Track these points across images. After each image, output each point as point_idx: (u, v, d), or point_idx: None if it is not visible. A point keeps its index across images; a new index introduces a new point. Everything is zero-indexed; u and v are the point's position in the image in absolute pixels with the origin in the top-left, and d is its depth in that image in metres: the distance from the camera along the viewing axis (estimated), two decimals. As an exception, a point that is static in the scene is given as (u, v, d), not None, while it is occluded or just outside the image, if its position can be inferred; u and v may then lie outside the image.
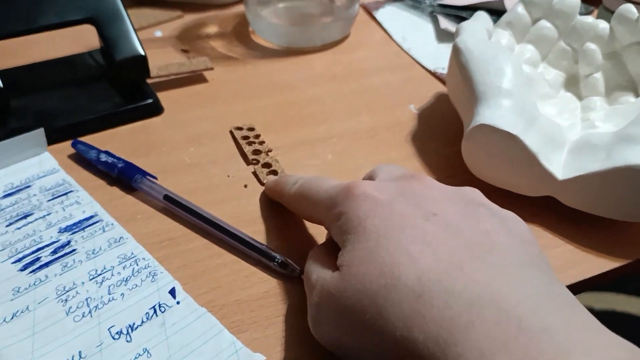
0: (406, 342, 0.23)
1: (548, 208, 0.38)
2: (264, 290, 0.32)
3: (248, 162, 0.41)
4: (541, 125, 0.38)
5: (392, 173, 0.31)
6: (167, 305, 0.31)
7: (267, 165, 0.40)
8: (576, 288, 0.34)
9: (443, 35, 0.57)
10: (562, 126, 0.41)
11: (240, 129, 0.44)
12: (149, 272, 0.33)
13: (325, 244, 0.32)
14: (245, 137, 0.43)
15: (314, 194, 0.32)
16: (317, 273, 0.28)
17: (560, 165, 0.37)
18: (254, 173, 0.40)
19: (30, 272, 0.32)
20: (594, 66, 0.46)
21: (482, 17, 0.46)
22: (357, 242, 0.26)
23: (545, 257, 0.27)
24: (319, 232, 0.36)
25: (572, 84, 0.48)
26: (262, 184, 0.39)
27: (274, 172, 0.40)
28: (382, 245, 0.25)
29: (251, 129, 0.44)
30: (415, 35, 0.57)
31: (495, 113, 0.37)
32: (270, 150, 0.42)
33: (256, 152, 0.41)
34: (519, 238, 0.26)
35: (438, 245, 0.25)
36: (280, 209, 0.37)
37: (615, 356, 0.21)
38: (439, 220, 0.26)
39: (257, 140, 0.42)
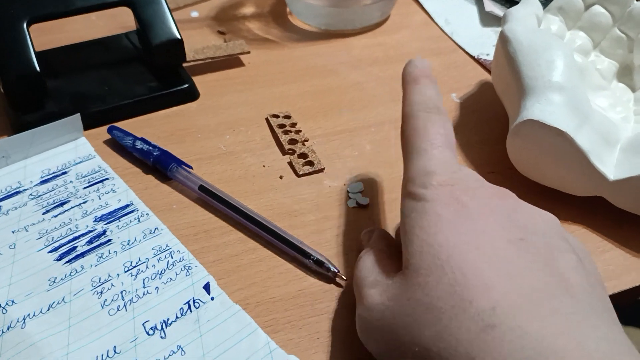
0: None
1: (597, 209, 0.36)
2: (299, 289, 0.31)
3: (284, 151, 0.40)
4: (594, 121, 0.36)
5: (477, 179, 0.28)
6: (201, 301, 0.30)
7: (303, 155, 0.39)
8: (629, 295, 0.33)
9: (488, 19, 0.55)
10: (616, 122, 0.39)
11: (276, 116, 0.43)
12: (184, 266, 0.32)
13: (384, 238, 0.30)
14: (282, 126, 0.42)
15: (419, 139, 0.29)
16: (375, 276, 0.27)
17: (612, 164, 0.35)
18: (290, 163, 0.39)
19: (66, 262, 0.32)
20: (650, 56, 0.44)
21: (531, 2, 0.43)
22: (428, 246, 0.25)
23: (608, 299, 0.25)
24: (357, 230, 0.35)
25: (626, 74, 0.45)
26: (297, 175, 0.38)
27: (310, 163, 0.39)
28: (455, 260, 0.24)
29: (287, 117, 0.43)
30: (459, 18, 0.55)
31: (545, 108, 0.35)
32: (306, 140, 0.41)
33: (292, 141, 0.40)
34: (592, 279, 0.25)
35: (518, 274, 0.23)
36: (318, 202, 0.36)
37: None
38: (523, 247, 0.24)
39: (293, 129, 0.41)
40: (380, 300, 0.26)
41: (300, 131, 0.41)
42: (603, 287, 0.26)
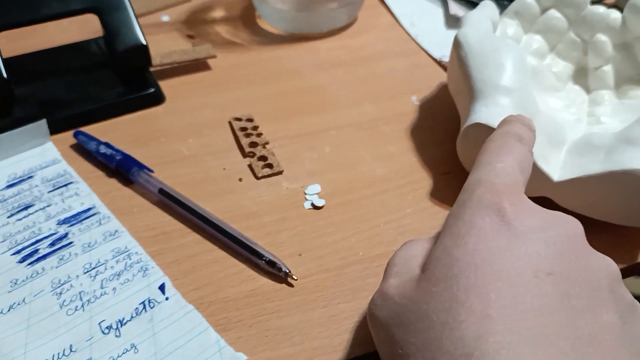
0: None
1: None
2: (251, 289, 0.33)
3: (244, 154, 0.41)
4: (541, 123, 0.37)
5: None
6: (156, 301, 0.32)
7: (263, 158, 0.41)
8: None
9: (452, 21, 0.56)
10: (564, 123, 0.40)
11: (239, 119, 0.44)
12: (141, 267, 0.34)
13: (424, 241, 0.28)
14: (243, 129, 0.43)
15: (488, 155, 0.28)
16: (402, 267, 0.26)
17: (558, 166, 0.37)
18: (250, 166, 0.40)
19: (29, 264, 0.33)
20: (604, 58, 0.45)
21: (488, 6, 0.45)
22: (447, 256, 0.23)
23: None
24: (315, 233, 0.36)
25: (581, 76, 0.47)
26: (257, 177, 0.39)
27: (270, 166, 0.40)
28: (465, 277, 0.22)
29: (250, 120, 0.44)
30: (425, 20, 0.56)
31: (492, 111, 0.36)
32: (267, 143, 0.42)
33: (253, 144, 0.42)
34: (629, 341, 0.22)
35: (529, 311, 0.21)
36: (275, 204, 0.38)
37: None
38: (550, 283, 0.22)
39: (255, 132, 0.43)
40: (392, 293, 0.25)
41: (261, 134, 0.43)
42: None
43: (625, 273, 0.36)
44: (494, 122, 0.36)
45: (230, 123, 0.44)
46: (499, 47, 0.39)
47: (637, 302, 0.24)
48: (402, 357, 0.22)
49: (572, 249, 0.24)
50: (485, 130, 0.36)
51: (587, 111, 0.44)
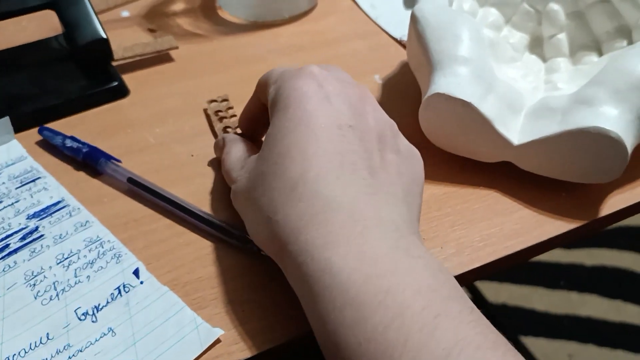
0: (270, 223, 0.28)
1: (506, 174, 0.38)
2: (225, 267, 0.33)
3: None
4: (499, 91, 0.38)
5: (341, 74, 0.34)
6: (131, 286, 0.32)
7: None
8: (538, 249, 0.35)
9: (410, 2, 0.57)
10: (522, 91, 0.41)
11: (214, 101, 0.44)
12: (114, 254, 0.34)
13: (239, 137, 0.37)
14: (218, 112, 0.43)
15: (271, 73, 0.35)
16: (243, 158, 0.34)
17: (517, 130, 0.38)
18: None
19: (0, 259, 0.33)
20: (558, 27, 0.46)
21: (443, -18, 0.46)
22: (280, 120, 0.30)
23: (417, 208, 0.31)
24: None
25: (537, 46, 0.48)
26: None
27: None
28: (289, 136, 0.29)
29: (225, 100, 0.44)
30: (384, 2, 0.57)
31: (451, 81, 0.37)
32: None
33: (226, 130, 0.42)
34: (406, 182, 0.30)
35: (335, 153, 0.28)
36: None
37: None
38: (349, 133, 0.30)
39: (228, 115, 0.43)
40: (243, 175, 0.32)
41: (235, 115, 0.43)
42: (415, 195, 0.31)
43: (587, 232, 0.37)
44: (453, 92, 0.36)
45: (205, 110, 0.44)
46: (455, 18, 0.40)
47: (414, 148, 0.33)
48: (257, 203, 0.29)
49: (365, 107, 0.32)
50: (445, 100, 0.37)
51: (544, 79, 0.45)
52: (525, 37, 0.48)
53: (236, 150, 0.35)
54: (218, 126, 0.42)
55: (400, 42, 0.52)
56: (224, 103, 0.44)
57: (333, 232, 0.26)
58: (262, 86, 0.35)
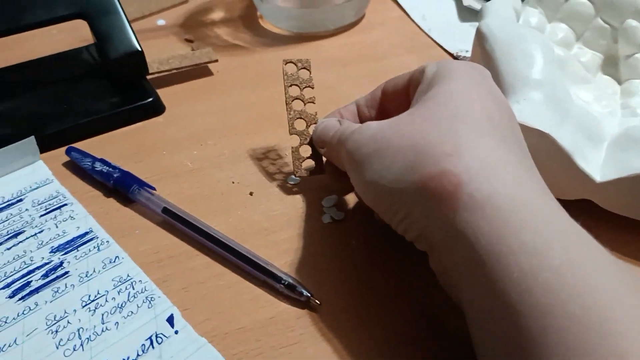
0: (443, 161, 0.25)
1: (585, 213, 0.34)
2: (270, 316, 0.29)
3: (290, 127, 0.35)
4: (576, 117, 0.34)
5: None
6: (164, 336, 0.28)
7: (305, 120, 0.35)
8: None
9: (466, 13, 0.53)
10: (599, 117, 0.37)
11: (292, 62, 0.37)
12: (146, 297, 0.30)
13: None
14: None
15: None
16: (352, 124, 0.31)
17: (599, 165, 0.33)
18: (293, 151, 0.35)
19: (20, 299, 0.30)
20: (636, 45, 0.42)
21: (509, -6, 0.41)
22: (443, 86, 0.28)
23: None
24: (337, 250, 0.33)
25: (611, 65, 0.43)
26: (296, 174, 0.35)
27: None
28: (471, 89, 0.27)
29: (306, 64, 0.37)
30: (436, 13, 0.53)
31: (525, 108, 0.33)
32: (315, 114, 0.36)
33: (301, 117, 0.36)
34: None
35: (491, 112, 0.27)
36: (290, 219, 0.34)
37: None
38: (495, 97, 0.28)
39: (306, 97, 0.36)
40: (377, 126, 0.28)
41: (313, 102, 0.36)
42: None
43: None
44: (529, 121, 0.32)
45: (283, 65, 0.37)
46: (527, 37, 0.36)
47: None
48: (406, 150, 0.26)
49: (494, 86, 0.30)
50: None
51: (620, 103, 0.41)
52: (598, 55, 0.43)
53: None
54: (292, 115, 0.35)
55: (457, 58, 0.48)
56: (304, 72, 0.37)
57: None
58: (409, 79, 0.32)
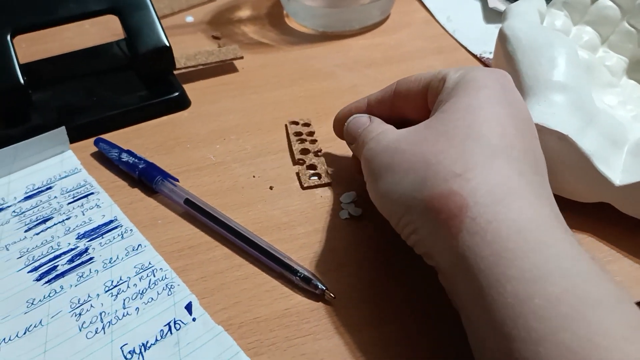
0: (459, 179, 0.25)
1: (604, 217, 0.34)
2: (285, 308, 0.30)
3: (294, 162, 0.39)
4: (599, 122, 0.34)
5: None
6: (182, 322, 0.29)
7: (312, 166, 0.38)
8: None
9: (491, 15, 0.53)
10: (624, 122, 0.37)
11: (295, 123, 0.41)
12: (166, 285, 0.31)
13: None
14: (298, 134, 0.40)
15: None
16: (376, 127, 0.31)
17: (619, 168, 0.33)
18: (297, 174, 0.38)
19: (46, 282, 0.31)
20: (663, 50, 0.41)
21: (534, -4, 0.41)
22: (462, 98, 0.27)
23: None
24: (354, 245, 0.33)
25: (637, 70, 0.43)
26: (302, 187, 0.37)
27: (318, 175, 0.37)
28: (490, 108, 0.27)
29: (307, 124, 0.41)
30: (461, 14, 0.53)
31: (546, 110, 0.33)
32: (319, 151, 0.39)
33: (304, 151, 0.39)
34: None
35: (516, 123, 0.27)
36: (308, 214, 0.35)
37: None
38: (516, 111, 0.28)
39: (309, 139, 0.40)
40: (396, 131, 0.29)
41: (315, 141, 0.40)
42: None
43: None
44: (548, 123, 0.32)
45: (285, 126, 0.41)
46: (550, 39, 0.36)
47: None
48: (417, 165, 0.26)
49: (517, 98, 0.29)
50: (539, 131, 0.32)
51: (646, 108, 0.40)
52: (624, 59, 0.43)
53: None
54: (296, 147, 0.39)
55: (480, 60, 0.48)
56: (306, 128, 0.41)
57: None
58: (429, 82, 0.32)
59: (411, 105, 0.32)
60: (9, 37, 0.39)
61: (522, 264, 0.22)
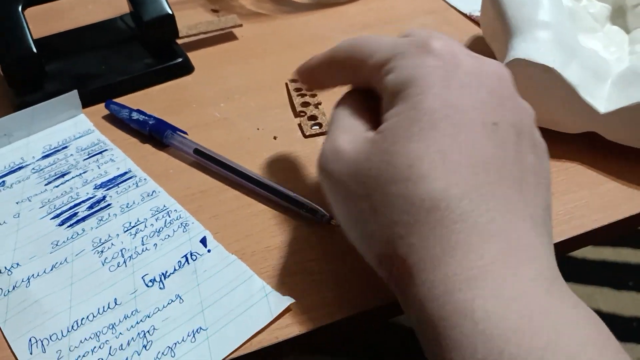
0: (392, 235, 0.23)
1: (590, 145, 0.36)
2: (293, 237, 0.32)
3: (296, 114, 0.41)
4: (582, 57, 0.36)
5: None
6: (198, 254, 0.31)
7: (313, 117, 0.40)
8: (628, 224, 0.33)
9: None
10: (608, 59, 0.38)
11: (295, 81, 0.43)
12: (181, 223, 0.33)
13: (359, 94, 0.29)
14: (298, 89, 0.42)
15: (369, 45, 0.28)
16: (350, 123, 0.27)
17: (604, 98, 0.35)
18: (299, 125, 0.39)
19: (68, 226, 0.33)
20: (643, -5, 0.43)
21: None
22: (409, 111, 0.24)
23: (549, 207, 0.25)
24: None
25: (619, 16, 0.45)
26: (305, 135, 0.39)
27: (319, 125, 0.39)
28: (430, 133, 0.23)
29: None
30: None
31: (531, 46, 0.35)
32: (319, 103, 0.41)
33: (305, 104, 0.41)
34: (547, 185, 0.25)
35: (477, 163, 0.23)
36: (312, 159, 0.37)
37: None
38: (493, 133, 0.23)
39: (309, 93, 0.42)
40: (346, 148, 0.25)
41: (315, 95, 0.42)
42: (550, 213, 0.25)
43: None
44: (533, 56, 0.34)
45: (286, 84, 0.43)
46: (534, -16, 0.38)
47: (544, 143, 0.26)
48: (364, 214, 0.24)
49: (504, 91, 0.25)
50: (525, 66, 0.35)
51: (628, 50, 0.42)
52: (606, 7, 0.45)
53: (350, 112, 0.28)
54: (297, 100, 0.41)
55: (470, 18, 0.50)
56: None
57: (482, 268, 0.21)
58: (368, 58, 0.28)
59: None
60: (20, 9, 0.41)
61: (475, 317, 0.20)
